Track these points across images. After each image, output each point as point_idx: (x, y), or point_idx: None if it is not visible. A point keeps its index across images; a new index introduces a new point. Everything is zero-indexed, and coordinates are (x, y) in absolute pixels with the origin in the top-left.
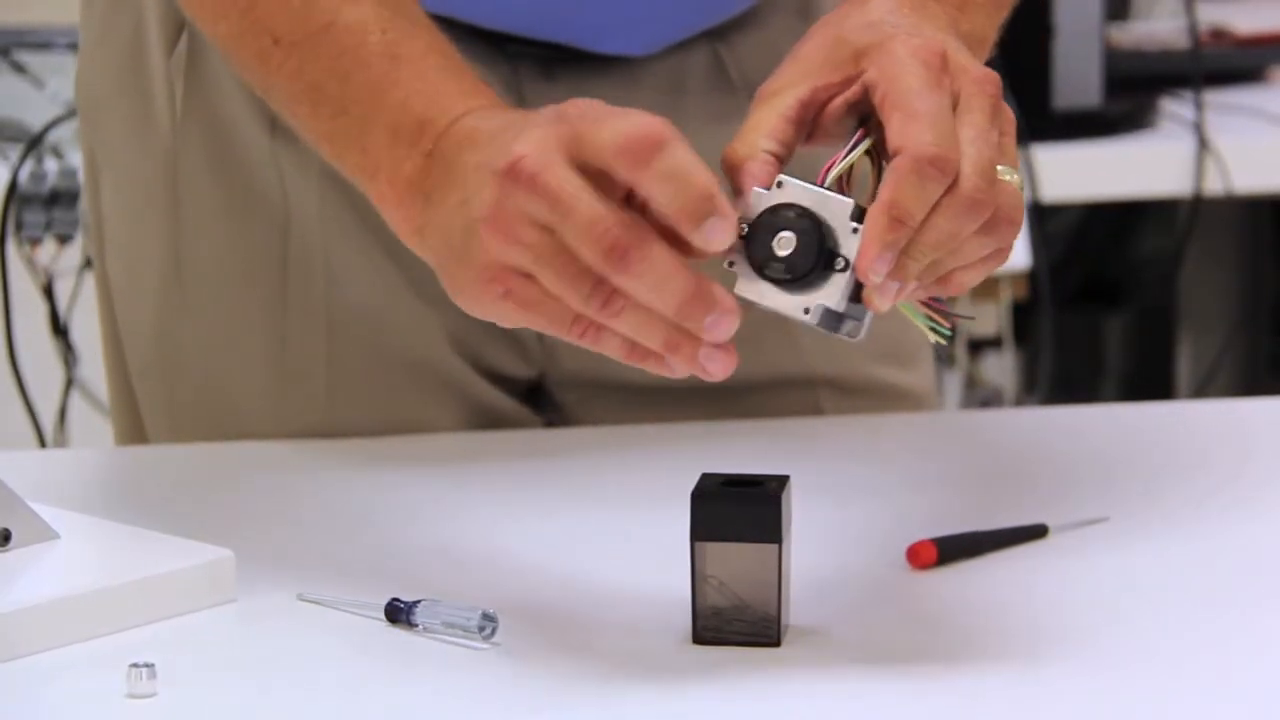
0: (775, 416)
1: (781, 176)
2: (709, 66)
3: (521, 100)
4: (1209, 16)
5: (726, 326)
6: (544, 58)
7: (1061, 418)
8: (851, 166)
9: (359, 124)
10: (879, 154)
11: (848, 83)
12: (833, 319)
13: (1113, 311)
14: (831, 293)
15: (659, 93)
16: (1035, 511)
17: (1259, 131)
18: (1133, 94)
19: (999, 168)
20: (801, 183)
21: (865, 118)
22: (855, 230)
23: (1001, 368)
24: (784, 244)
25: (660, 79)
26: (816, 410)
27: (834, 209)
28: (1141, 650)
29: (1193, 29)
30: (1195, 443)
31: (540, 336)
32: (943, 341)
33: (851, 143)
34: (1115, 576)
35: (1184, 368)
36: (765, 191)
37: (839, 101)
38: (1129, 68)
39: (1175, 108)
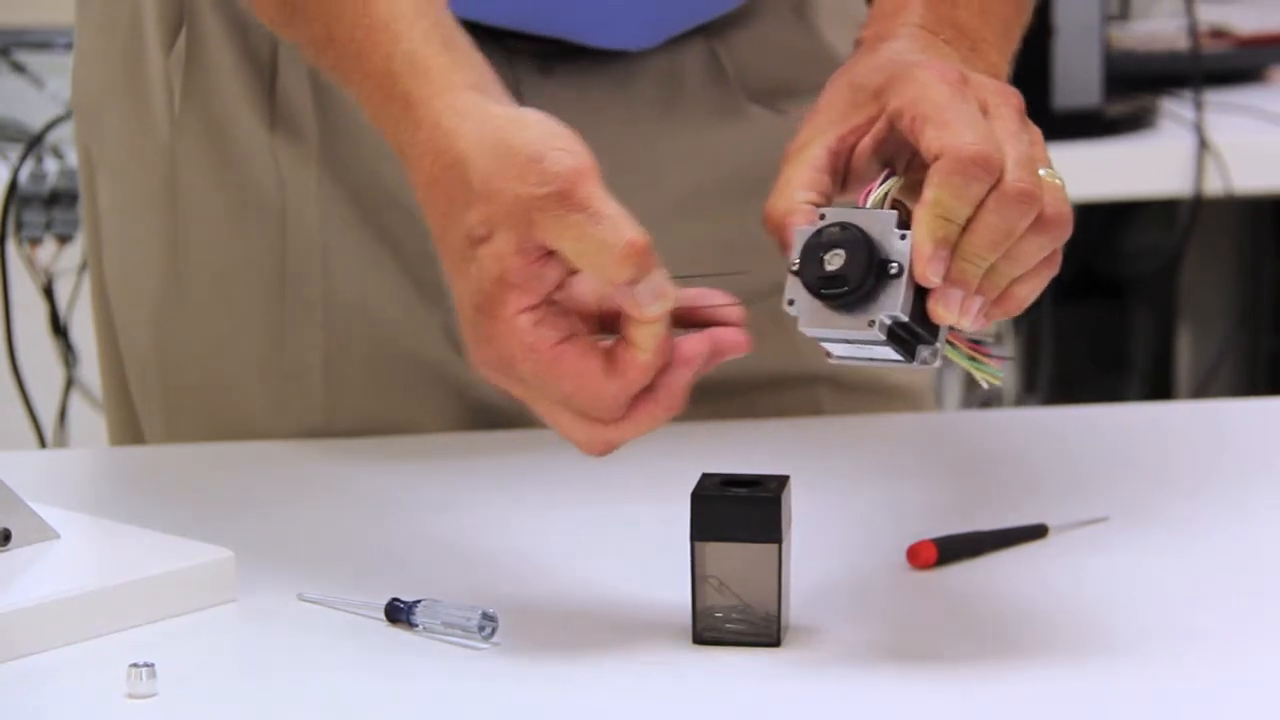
0: (775, 414)
1: (822, 210)
2: (705, 64)
3: (520, 97)
4: (1209, 16)
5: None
6: (541, 53)
7: (1061, 418)
8: (885, 195)
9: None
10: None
11: (870, 123)
12: (904, 341)
13: (1113, 311)
14: (892, 300)
15: (656, 89)
16: (1035, 511)
17: (1259, 131)
18: (1133, 94)
19: (1041, 170)
20: (842, 208)
21: (889, 161)
22: (903, 237)
23: (1002, 367)
24: (834, 260)
25: (657, 76)
26: (816, 408)
27: (878, 221)
28: (1141, 650)
29: (1193, 29)
30: (1195, 443)
31: None
32: (996, 381)
33: (882, 176)
34: (1115, 576)
35: (1184, 367)
36: (809, 227)
37: (866, 142)
38: (1129, 68)
39: (1175, 108)
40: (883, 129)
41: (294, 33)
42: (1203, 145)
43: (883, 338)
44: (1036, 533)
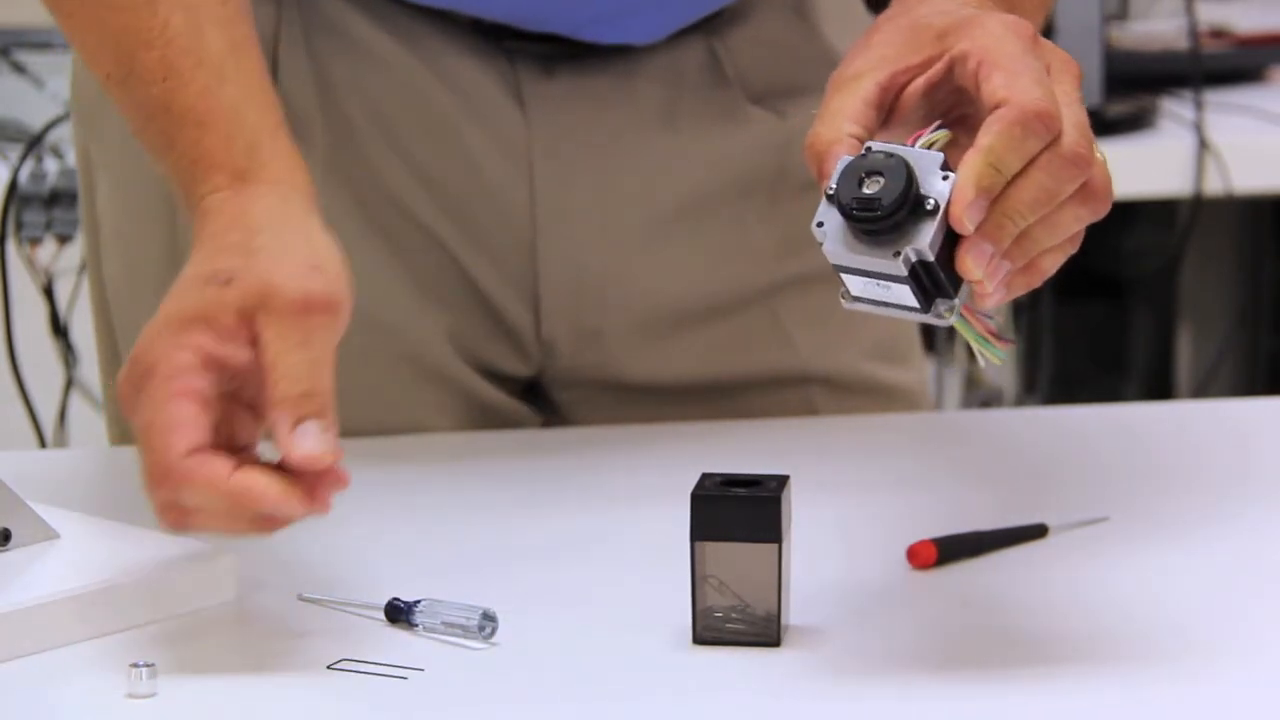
0: (769, 414)
1: (869, 143)
2: (705, 63)
3: (521, 99)
4: (1209, 16)
5: (289, 509)
6: (542, 55)
7: (1061, 418)
8: (933, 144)
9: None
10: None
11: (927, 64)
12: (924, 287)
13: (1113, 311)
14: (922, 235)
15: (656, 91)
16: (1035, 511)
17: (1259, 131)
18: (1133, 94)
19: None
20: (889, 144)
21: (935, 108)
22: (945, 178)
23: (1001, 367)
24: (872, 184)
25: (658, 78)
26: (810, 408)
27: (923, 159)
28: (1140, 650)
29: (1193, 29)
30: (1195, 443)
31: (538, 335)
32: (997, 362)
33: (933, 126)
34: (1115, 576)
35: (1184, 367)
36: (852, 157)
37: (919, 83)
38: (1129, 68)
39: (1175, 108)
40: (940, 71)
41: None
42: (1203, 145)
43: (904, 273)
44: (1036, 533)
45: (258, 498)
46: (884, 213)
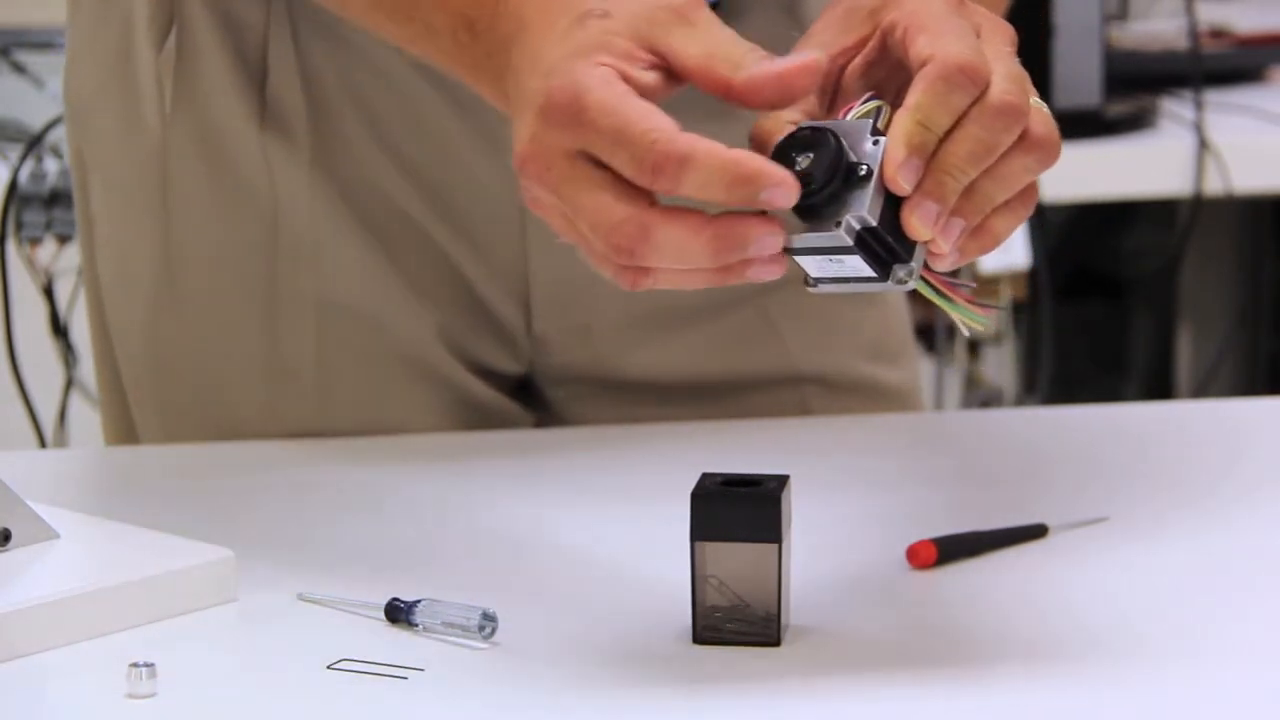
0: (762, 414)
1: (800, 123)
2: None
3: None
4: (1209, 16)
5: (784, 194)
6: None
7: (1061, 418)
8: (867, 114)
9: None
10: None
11: (862, 43)
12: (877, 255)
13: (1113, 311)
14: (859, 202)
15: None
16: (1035, 511)
17: (1259, 131)
18: (1133, 94)
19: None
20: (819, 121)
21: (876, 86)
22: (875, 142)
23: (1001, 367)
24: (803, 160)
25: None
26: (803, 408)
27: (850, 127)
28: (1141, 650)
29: (1193, 29)
30: (1195, 443)
31: (529, 331)
32: (979, 329)
33: (865, 97)
34: (1115, 576)
35: (1184, 367)
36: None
37: (857, 63)
38: (1129, 68)
39: (1175, 108)
40: (875, 48)
41: None
42: (1203, 145)
43: (849, 242)
44: (1036, 533)
45: (759, 165)
46: (817, 185)
